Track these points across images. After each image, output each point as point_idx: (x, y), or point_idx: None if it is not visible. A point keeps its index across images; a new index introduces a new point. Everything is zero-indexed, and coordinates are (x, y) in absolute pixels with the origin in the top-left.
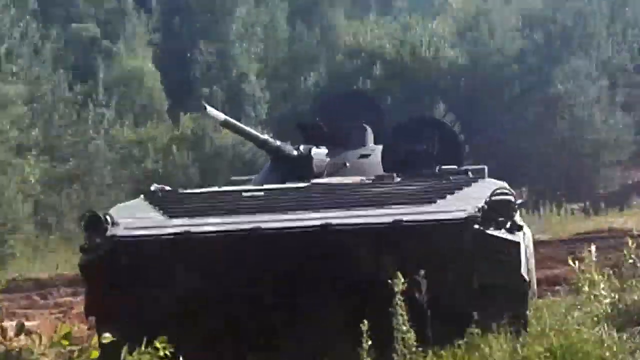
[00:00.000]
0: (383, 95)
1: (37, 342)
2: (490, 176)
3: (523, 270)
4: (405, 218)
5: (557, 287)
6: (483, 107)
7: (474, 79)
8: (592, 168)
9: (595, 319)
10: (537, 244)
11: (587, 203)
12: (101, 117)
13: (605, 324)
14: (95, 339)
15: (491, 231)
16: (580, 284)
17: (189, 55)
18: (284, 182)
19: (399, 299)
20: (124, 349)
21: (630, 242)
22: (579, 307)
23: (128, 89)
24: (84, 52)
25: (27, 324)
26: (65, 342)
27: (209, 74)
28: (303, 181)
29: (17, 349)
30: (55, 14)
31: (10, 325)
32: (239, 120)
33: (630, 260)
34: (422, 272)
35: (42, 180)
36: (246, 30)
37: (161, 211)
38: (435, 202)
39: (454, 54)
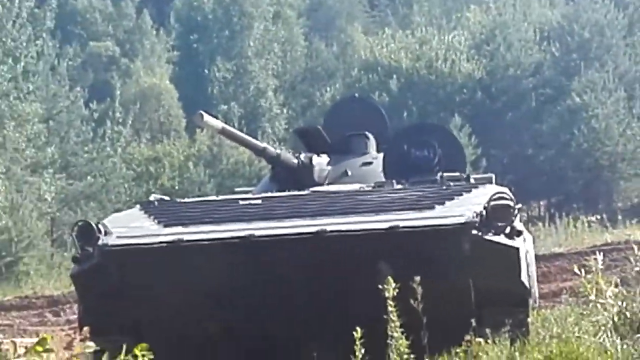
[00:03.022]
0: (399, 108)
1: (11, 349)
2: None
3: (523, 276)
4: (402, 224)
5: (570, 299)
6: (500, 120)
7: (490, 92)
8: (610, 180)
9: (603, 327)
10: (552, 256)
11: (605, 215)
12: (118, 134)
13: (609, 332)
14: (78, 348)
15: (490, 236)
16: (587, 293)
17: (206, 72)
18: (284, 191)
19: (390, 304)
20: (104, 357)
21: (636, 249)
22: (586, 316)
23: (145, 106)
24: (101, 70)
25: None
26: (39, 348)
27: (226, 90)
28: (303, 190)
29: None
30: (73, 32)
31: (20, 342)
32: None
33: (637, 268)
34: (417, 278)
35: (58, 198)
36: (263, 47)
37: (155, 220)
38: (433, 208)
39: (471, 67)
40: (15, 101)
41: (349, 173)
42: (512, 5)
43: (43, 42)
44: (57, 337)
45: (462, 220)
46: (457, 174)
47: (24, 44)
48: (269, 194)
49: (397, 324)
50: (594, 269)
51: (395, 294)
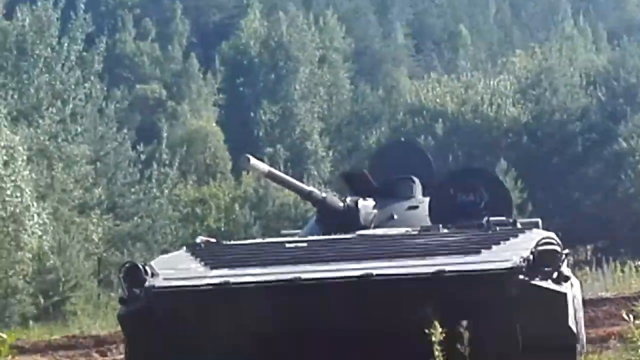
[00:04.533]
0: (445, 152)
1: None
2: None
3: (570, 322)
4: (448, 268)
5: (618, 344)
6: (545, 164)
7: (536, 136)
8: None
9: None
10: (599, 300)
11: None
12: (165, 176)
13: None
14: None
15: (537, 281)
16: (635, 339)
17: (252, 114)
18: (329, 234)
19: (437, 349)
20: None
21: None
22: None
23: (192, 148)
24: (148, 113)
25: None
26: None
27: (272, 133)
28: (349, 233)
29: None
30: (121, 75)
31: None
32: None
33: None
34: (464, 322)
35: (105, 239)
36: (309, 90)
37: (202, 262)
38: (480, 252)
39: (516, 112)
40: (63, 143)
41: (395, 217)
42: (557, 50)
43: (91, 85)
44: None
45: (508, 265)
46: (504, 218)
47: (73, 87)
48: (315, 237)
49: None
50: None
51: (441, 338)
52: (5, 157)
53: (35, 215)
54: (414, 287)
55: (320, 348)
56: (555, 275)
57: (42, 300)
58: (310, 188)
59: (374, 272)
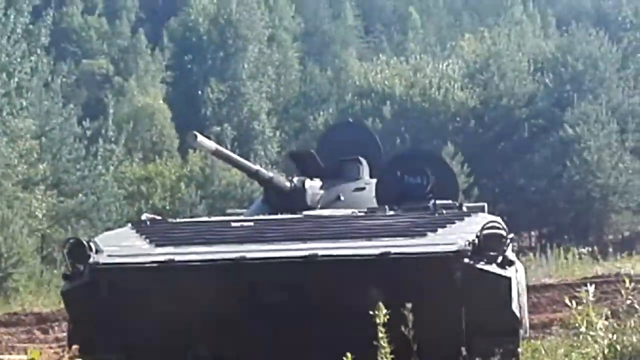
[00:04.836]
0: (392, 135)
1: None
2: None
3: (514, 307)
4: (393, 250)
5: (560, 330)
6: (492, 149)
7: (483, 121)
8: (601, 212)
9: None
10: (543, 287)
11: (596, 247)
12: (110, 153)
13: None
14: None
15: (481, 265)
16: (577, 325)
17: (200, 93)
18: (276, 214)
19: (381, 330)
20: None
21: (627, 282)
22: (576, 348)
23: (138, 125)
24: (95, 88)
25: (23, 358)
26: None
27: (219, 112)
28: (295, 213)
29: None
30: (67, 50)
31: (8, 359)
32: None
33: (628, 301)
34: (409, 305)
35: (49, 215)
36: (257, 70)
37: (147, 240)
38: (425, 235)
39: (464, 96)
40: (8, 117)
41: (342, 198)
42: (506, 35)
43: (37, 59)
44: (45, 355)
45: (454, 248)
46: (450, 201)
47: (18, 60)
48: (261, 217)
49: (388, 350)
50: (584, 300)
51: (386, 320)
52: None
53: None
54: (359, 268)
55: (263, 328)
56: (500, 259)
57: None
58: (258, 167)
59: (319, 252)
